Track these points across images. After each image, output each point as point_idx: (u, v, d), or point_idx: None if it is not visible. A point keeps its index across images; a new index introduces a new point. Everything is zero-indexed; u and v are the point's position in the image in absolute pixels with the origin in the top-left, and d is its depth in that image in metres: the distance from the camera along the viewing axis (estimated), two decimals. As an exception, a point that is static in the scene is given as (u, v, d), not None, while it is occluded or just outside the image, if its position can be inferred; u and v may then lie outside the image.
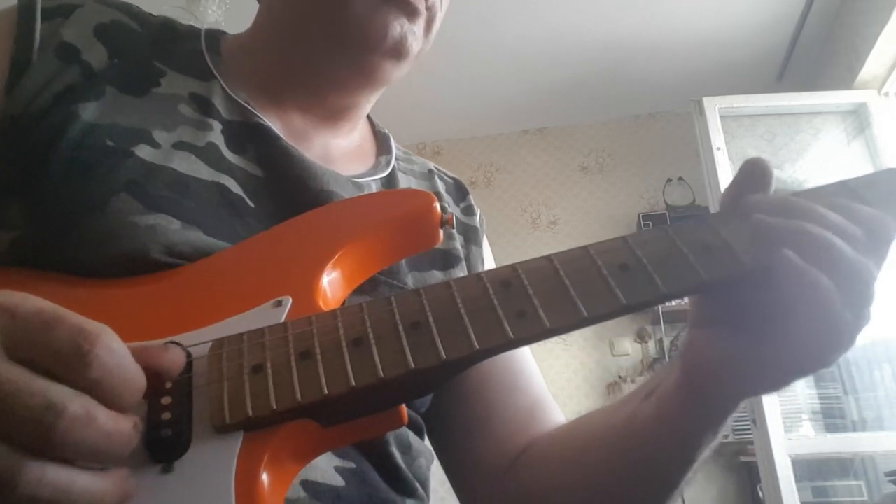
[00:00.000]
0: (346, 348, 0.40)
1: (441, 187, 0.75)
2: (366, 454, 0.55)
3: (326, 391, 0.39)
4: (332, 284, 0.49)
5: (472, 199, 0.78)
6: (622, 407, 0.55)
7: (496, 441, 0.65)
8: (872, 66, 2.81)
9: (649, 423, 0.50)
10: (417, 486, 0.60)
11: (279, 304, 0.46)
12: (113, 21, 0.63)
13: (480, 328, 0.41)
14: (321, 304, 0.47)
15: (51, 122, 0.54)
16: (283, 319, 0.44)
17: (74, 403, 0.31)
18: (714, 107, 2.77)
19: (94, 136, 0.55)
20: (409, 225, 0.54)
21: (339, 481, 0.51)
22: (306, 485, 0.49)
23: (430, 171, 0.77)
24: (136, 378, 0.34)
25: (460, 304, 0.42)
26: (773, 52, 3.49)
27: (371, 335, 0.41)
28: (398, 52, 0.62)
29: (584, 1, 3.14)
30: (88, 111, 0.56)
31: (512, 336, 0.40)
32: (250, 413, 0.38)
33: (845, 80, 2.99)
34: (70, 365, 0.32)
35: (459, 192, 0.77)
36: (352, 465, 0.53)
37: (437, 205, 0.54)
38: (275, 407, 0.38)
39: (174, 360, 0.39)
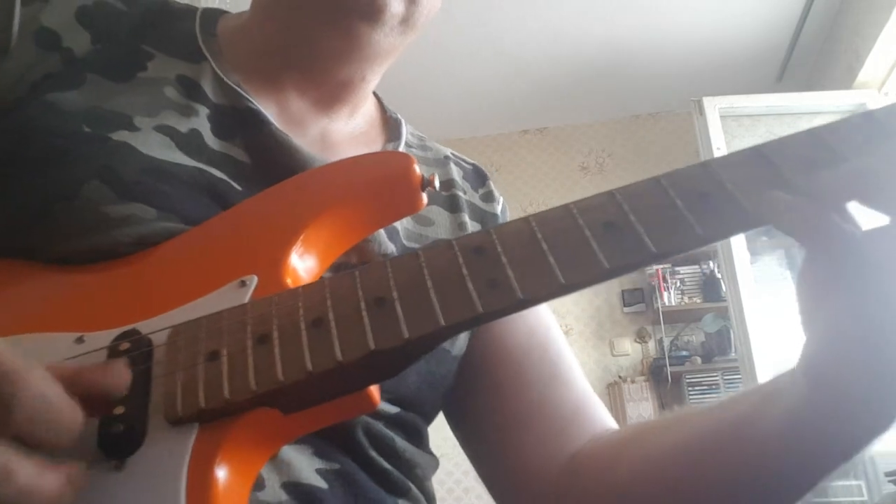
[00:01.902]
0: (304, 330, 0.38)
1: (457, 174, 0.71)
2: (349, 455, 0.53)
3: (282, 378, 0.36)
4: (304, 260, 0.46)
5: (492, 185, 0.73)
6: (737, 403, 0.47)
7: (540, 441, 0.60)
8: (872, 66, 2.82)
9: (776, 425, 0.41)
10: (411, 485, 0.57)
11: (244, 283, 0.43)
12: (97, 3, 0.60)
13: (447, 302, 0.37)
14: (289, 282, 0.44)
15: (27, 113, 0.53)
16: (247, 300, 0.42)
17: None
18: (714, 107, 2.78)
19: (70, 124, 0.53)
20: (385, 190, 0.50)
21: (321, 483, 0.49)
22: (287, 487, 0.47)
23: (447, 157, 0.73)
24: (65, 414, 0.32)
25: (427, 275, 0.38)
26: (773, 52, 3.49)
27: (331, 314, 0.38)
28: (370, 11, 0.58)
29: (584, 1, 3.14)
30: (67, 100, 0.54)
31: (481, 309, 0.36)
32: (203, 405, 0.36)
33: (845, 80, 2.99)
34: None
35: (479, 177, 0.73)
36: (335, 465, 0.51)
37: (416, 166, 0.50)
38: (228, 397, 0.36)
39: (115, 380, 0.36)
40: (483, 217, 0.69)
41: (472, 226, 0.67)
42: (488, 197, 0.72)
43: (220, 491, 0.35)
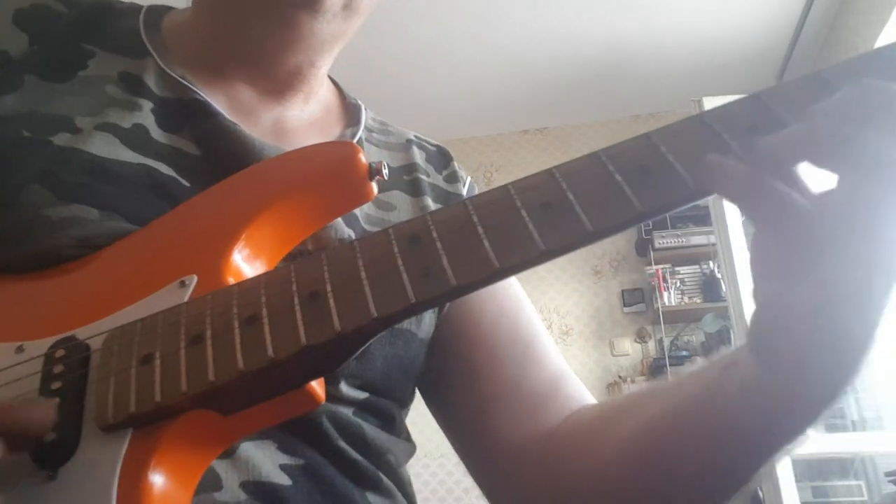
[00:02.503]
0: (237, 329, 0.37)
1: (419, 157, 0.69)
2: (315, 448, 0.52)
3: (213, 378, 0.35)
4: (247, 258, 0.45)
5: (456, 165, 0.72)
6: (696, 378, 0.47)
7: (516, 420, 0.60)
8: (872, 65, 2.81)
9: (734, 400, 0.41)
10: (382, 476, 0.56)
11: (183, 284, 0.42)
12: (34, 5, 0.59)
13: (380, 292, 0.36)
14: (231, 280, 0.42)
15: None
16: (186, 300, 0.41)
17: None
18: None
19: (9, 129, 0.51)
20: (330, 181, 0.48)
21: (285, 480, 0.48)
22: (246, 486, 0.46)
23: (409, 140, 0.71)
24: None
25: (362, 267, 0.37)
26: (773, 52, 3.49)
27: (265, 311, 0.37)
28: (308, 1, 0.56)
29: (584, 1, 3.14)
30: (5, 104, 0.53)
31: (413, 299, 0.36)
32: (133, 409, 0.36)
33: (845, 79, 2.99)
34: None
35: (442, 158, 0.72)
36: (300, 461, 0.50)
37: (361, 155, 0.48)
38: (159, 400, 0.35)
39: (39, 420, 0.36)
40: (447, 199, 0.68)
41: (434, 206, 0.65)
42: (452, 178, 0.70)
43: (155, 496, 0.34)
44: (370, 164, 0.48)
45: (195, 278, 0.42)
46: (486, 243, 0.36)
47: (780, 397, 0.37)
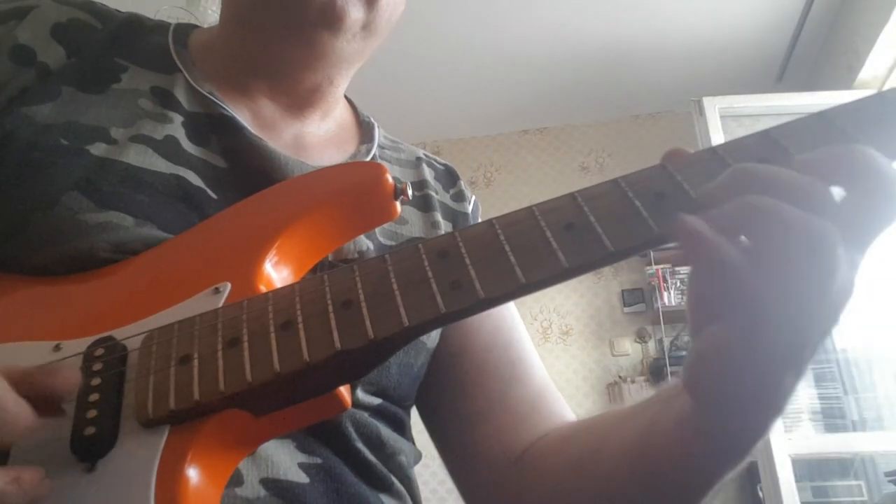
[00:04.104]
0: (273, 333, 0.39)
1: (429, 175, 0.73)
2: (333, 449, 0.54)
3: (250, 379, 0.37)
4: (277, 267, 0.47)
5: (463, 185, 0.75)
6: (642, 410, 0.50)
7: (497, 434, 0.63)
8: (872, 66, 2.82)
9: (671, 434, 0.44)
10: (394, 480, 0.58)
11: (217, 290, 0.44)
12: (70, 20, 0.62)
13: (412, 303, 0.38)
14: (263, 288, 0.45)
15: (3, 127, 0.54)
16: (220, 306, 0.43)
17: None
18: (714, 107, 2.77)
19: (47, 137, 0.54)
20: (357, 199, 0.51)
21: (303, 478, 0.50)
22: (266, 483, 0.48)
23: (419, 158, 0.75)
24: (10, 411, 0.33)
25: (393, 278, 0.40)
26: (773, 53, 3.49)
27: (300, 317, 0.39)
28: (328, 20, 0.59)
29: (584, 1, 3.14)
30: (43, 112, 0.55)
31: (444, 309, 0.38)
32: (172, 406, 0.37)
33: (845, 80, 2.99)
34: None
35: (450, 177, 0.76)
36: (317, 460, 0.52)
37: (388, 176, 0.51)
38: (197, 398, 0.37)
39: (63, 381, 0.37)
40: (454, 216, 0.71)
41: (444, 224, 0.69)
42: (459, 197, 0.74)
43: (191, 490, 0.36)
44: (396, 185, 0.51)
45: (228, 285, 0.45)
46: (512, 259, 0.38)
47: (710, 432, 0.40)
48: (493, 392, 0.65)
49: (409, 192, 0.51)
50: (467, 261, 0.39)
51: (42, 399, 0.35)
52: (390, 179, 0.51)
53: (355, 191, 0.51)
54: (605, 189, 0.40)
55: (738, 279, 0.33)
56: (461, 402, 0.65)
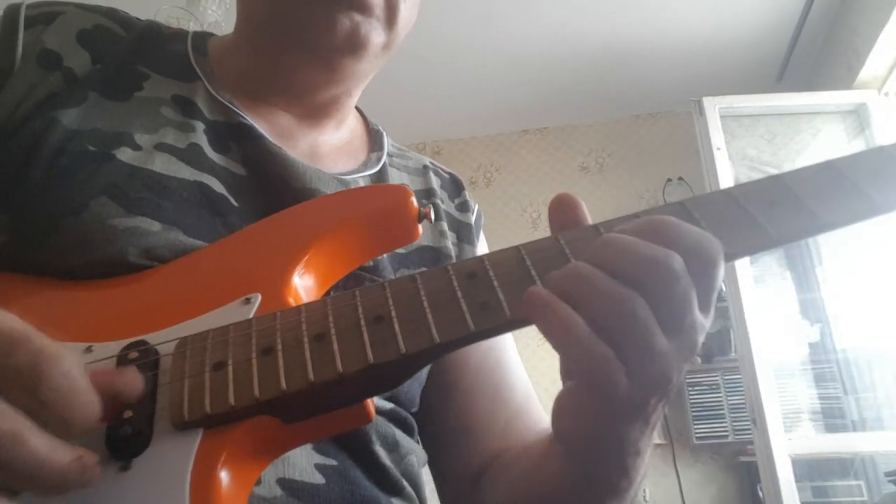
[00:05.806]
0: (307, 343, 0.40)
1: (436, 183, 0.74)
2: (349, 451, 0.55)
3: (285, 387, 0.38)
4: (305, 281, 0.49)
5: (468, 195, 0.77)
6: (540, 446, 0.55)
7: (472, 452, 0.65)
8: (872, 66, 2.81)
9: (556, 467, 0.48)
10: (405, 484, 0.59)
11: (248, 301, 0.46)
12: (96, 26, 0.63)
13: (442, 320, 0.40)
14: (291, 300, 0.46)
15: (32, 130, 0.54)
16: (251, 316, 0.44)
17: (5, 422, 0.30)
18: (714, 107, 2.77)
19: (74, 142, 0.54)
20: (384, 220, 0.53)
21: (318, 479, 0.51)
22: (283, 483, 0.49)
23: (426, 166, 0.76)
24: (87, 403, 0.33)
25: (424, 296, 0.41)
26: (773, 52, 3.49)
27: (333, 330, 0.41)
28: (353, 46, 0.61)
29: (584, 1, 3.14)
30: (70, 117, 0.56)
31: (473, 328, 0.39)
32: (208, 410, 0.38)
33: (845, 80, 2.99)
34: (21, 383, 0.31)
35: (455, 187, 0.77)
36: (333, 462, 0.53)
37: (413, 199, 0.53)
38: (233, 403, 0.38)
39: (129, 383, 0.38)
40: (458, 227, 0.72)
41: (449, 235, 0.70)
42: (464, 207, 0.75)
43: (223, 492, 0.37)
44: (420, 209, 0.53)
45: (259, 297, 0.46)
46: (539, 283, 0.40)
47: (577, 472, 0.44)
48: (475, 410, 0.67)
49: (432, 215, 0.54)
50: (495, 283, 0.41)
51: (109, 397, 0.36)
52: (415, 203, 0.53)
53: (382, 213, 0.53)
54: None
55: (581, 346, 0.37)
56: (449, 418, 0.67)
